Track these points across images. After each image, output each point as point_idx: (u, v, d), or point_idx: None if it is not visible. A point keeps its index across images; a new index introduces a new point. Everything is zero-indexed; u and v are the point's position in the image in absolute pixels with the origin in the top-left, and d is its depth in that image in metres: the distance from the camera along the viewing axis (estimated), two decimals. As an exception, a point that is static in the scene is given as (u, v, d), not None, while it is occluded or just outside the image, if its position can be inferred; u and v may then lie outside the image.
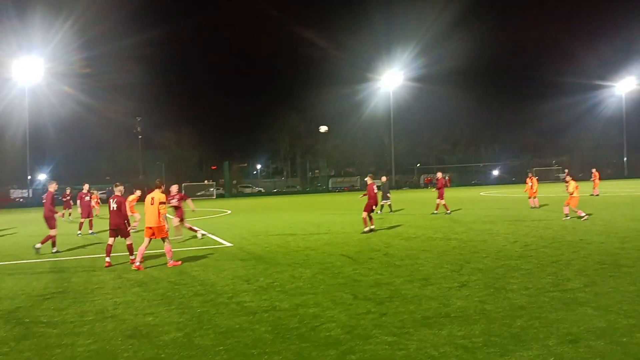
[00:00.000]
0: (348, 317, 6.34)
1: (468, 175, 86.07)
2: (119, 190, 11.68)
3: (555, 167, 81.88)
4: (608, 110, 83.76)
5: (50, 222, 13.70)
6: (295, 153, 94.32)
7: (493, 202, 30.55)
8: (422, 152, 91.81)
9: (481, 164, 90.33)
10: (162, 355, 5.19)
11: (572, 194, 17.39)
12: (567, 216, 17.43)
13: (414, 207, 28.42)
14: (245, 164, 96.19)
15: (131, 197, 17.98)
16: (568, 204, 17.52)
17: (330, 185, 79.70)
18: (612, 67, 79.90)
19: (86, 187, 19.66)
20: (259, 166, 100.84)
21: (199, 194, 68.35)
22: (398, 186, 76.55)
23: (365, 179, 16.75)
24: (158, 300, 7.61)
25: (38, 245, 13.50)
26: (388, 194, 24.34)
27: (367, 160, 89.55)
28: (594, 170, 34.22)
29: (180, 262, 10.98)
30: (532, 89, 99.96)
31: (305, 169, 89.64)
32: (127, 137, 74.78)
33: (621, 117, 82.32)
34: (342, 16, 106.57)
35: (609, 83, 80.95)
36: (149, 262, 11.26)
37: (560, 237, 12.79)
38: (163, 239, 10.95)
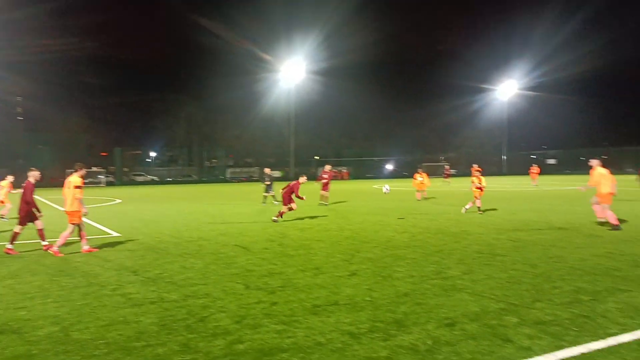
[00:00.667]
0: (238, 307, 6.29)
1: (364, 168, 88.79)
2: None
3: (443, 163, 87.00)
4: (492, 112, 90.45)
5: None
6: (192, 141, 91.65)
7: (386, 194, 31.76)
8: (321, 145, 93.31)
9: (376, 158, 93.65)
10: (34, 352, 4.82)
11: (481, 188, 17.78)
12: (480, 210, 17.73)
13: (310, 198, 28.81)
14: (139, 151, 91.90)
15: (3, 183, 16.51)
16: (477, 198, 17.69)
17: (228, 175, 78.58)
18: (497, 71, 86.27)
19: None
20: (153, 154, 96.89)
21: (86, 181, 64.50)
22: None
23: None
24: (33, 293, 7.07)
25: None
26: (268, 183, 23.81)
27: (267, 151, 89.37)
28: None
29: (61, 253, 10.28)
30: (426, 88, 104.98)
31: (202, 157, 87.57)
32: (6, 118, 68.58)
33: (502, 119, 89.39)
34: (243, 5, 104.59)
35: (493, 87, 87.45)
36: (26, 252, 10.43)
37: (445, 228, 13.59)
38: (76, 225, 10.47)
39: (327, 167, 23.95)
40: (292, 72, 73.25)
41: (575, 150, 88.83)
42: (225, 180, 73.92)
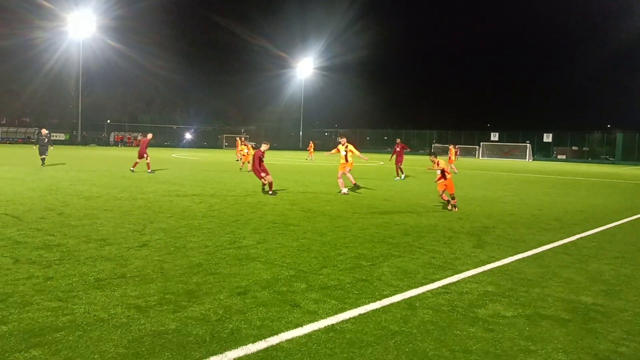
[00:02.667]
0: (3, 284, 5.46)
1: (162, 136, 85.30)
2: None
3: (244, 136, 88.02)
4: (291, 89, 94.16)
5: None
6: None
7: (184, 164, 30.94)
8: (114, 109, 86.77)
9: (175, 126, 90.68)
10: None
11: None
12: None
13: (101, 165, 26.65)
14: None
15: None
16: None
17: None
18: (295, 50, 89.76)
19: None
20: None
21: None
22: (85, 142, 70.76)
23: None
24: None
25: None
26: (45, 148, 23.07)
27: (49, 111, 79.97)
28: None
29: None
30: (228, 60, 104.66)
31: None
32: None
33: (300, 97, 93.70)
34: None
35: (293, 65, 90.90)
36: None
37: (242, 199, 13.71)
38: None
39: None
40: (79, 23, 66.07)
41: (361, 130, 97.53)
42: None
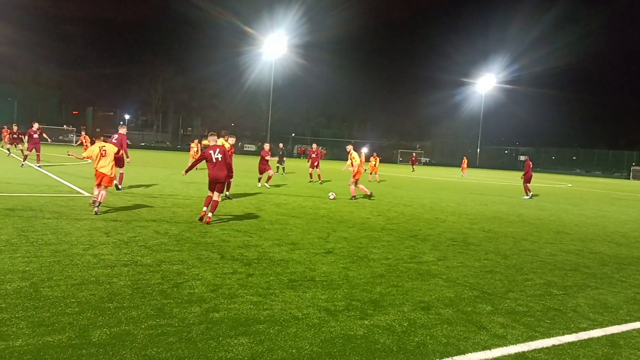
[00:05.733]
0: (213, 276, 6.21)
1: (340, 149, 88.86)
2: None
3: (418, 151, 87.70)
4: (470, 105, 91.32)
5: None
6: (168, 108, 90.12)
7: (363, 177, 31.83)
8: (298, 123, 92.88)
9: (353, 140, 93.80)
10: (3, 305, 4.67)
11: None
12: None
13: (288, 175, 28.72)
14: (112, 113, 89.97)
15: None
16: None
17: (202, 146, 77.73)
18: (476, 65, 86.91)
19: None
20: (127, 116, 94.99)
21: (56, 138, 62.94)
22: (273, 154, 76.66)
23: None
24: (0, 247, 6.84)
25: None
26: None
27: (244, 124, 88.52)
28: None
29: None
30: (407, 76, 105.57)
31: (177, 125, 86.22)
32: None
33: (479, 112, 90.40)
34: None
35: (472, 80, 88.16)
36: (-9, 206, 10.12)
37: (419, 214, 13.70)
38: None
39: (314, 146, 25.37)
40: (274, 45, 72.28)
41: (546, 149, 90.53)
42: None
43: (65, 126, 68.61)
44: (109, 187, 10.66)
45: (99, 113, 78.76)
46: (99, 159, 10.33)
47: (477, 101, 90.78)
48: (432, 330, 4.80)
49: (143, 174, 21.77)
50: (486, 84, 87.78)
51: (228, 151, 10.86)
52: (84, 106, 74.84)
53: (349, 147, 16.77)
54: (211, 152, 10.21)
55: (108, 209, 10.89)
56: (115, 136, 13.98)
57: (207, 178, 10.35)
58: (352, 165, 16.17)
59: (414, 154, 53.78)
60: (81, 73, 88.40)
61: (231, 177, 12.31)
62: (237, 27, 74.41)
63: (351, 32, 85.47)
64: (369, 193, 16.90)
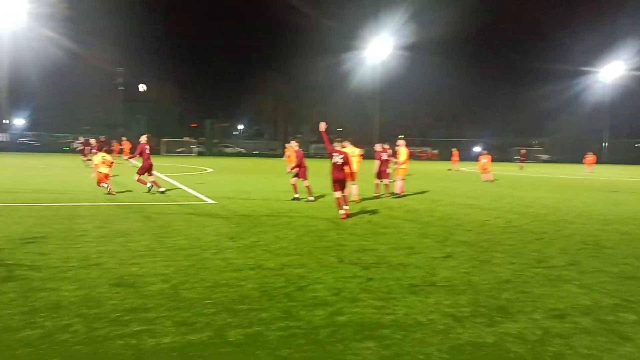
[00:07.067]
0: (334, 280, 6.32)
1: (449, 150, 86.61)
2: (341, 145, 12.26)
3: (536, 147, 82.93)
4: (592, 96, 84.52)
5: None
6: (278, 116, 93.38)
7: (475, 177, 30.79)
8: (406, 124, 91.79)
9: (464, 140, 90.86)
10: (150, 305, 5.11)
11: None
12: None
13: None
14: (227, 124, 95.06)
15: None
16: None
17: (311, 151, 79.54)
18: (598, 53, 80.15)
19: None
20: (241, 126, 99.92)
21: (178, 150, 67.68)
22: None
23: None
24: (142, 252, 7.49)
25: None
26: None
27: (351, 128, 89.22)
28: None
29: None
30: (519, 69, 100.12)
31: (287, 132, 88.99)
32: (107, 87, 73.10)
33: (604, 103, 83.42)
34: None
35: (594, 69, 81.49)
36: (133, 213, 11.12)
37: (542, 215, 12.93)
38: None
39: (378, 146, 17.55)
40: (378, 48, 72.19)
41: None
42: (308, 156, 74.66)
43: (186, 138, 73.55)
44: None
45: (215, 125, 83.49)
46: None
47: (600, 92, 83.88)
48: (569, 340, 4.50)
49: (259, 180, 22.75)
50: (611, 72, 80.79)
51: (352, 156, 12.79)
52: (202, 118, 79.69)
53: (401, 142, 16.53)
54: (335, 154, 11.64)
55: (231, 215, 11.51)
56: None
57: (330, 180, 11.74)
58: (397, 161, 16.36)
59: (522, 151, 50.18)
60: (199, 88, 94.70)
61: (353, 179, 12.67)
62: (342, 32, 75.38)
63: (457, 29, 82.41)
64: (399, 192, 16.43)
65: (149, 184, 15.07)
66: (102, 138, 37.61)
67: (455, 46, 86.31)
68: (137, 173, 15.30)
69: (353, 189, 14.38)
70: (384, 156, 16.79)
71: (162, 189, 15.21)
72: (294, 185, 15.06)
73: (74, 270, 6.34)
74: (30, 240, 8.00)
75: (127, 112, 76.82)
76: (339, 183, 11.58)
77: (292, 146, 16.01)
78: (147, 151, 15.08)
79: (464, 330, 4.70)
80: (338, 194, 11.60)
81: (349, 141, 14.29)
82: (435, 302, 5.53)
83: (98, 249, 7.59)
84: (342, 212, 11.59)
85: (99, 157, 14.69)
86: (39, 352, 3.97)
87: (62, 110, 73.68)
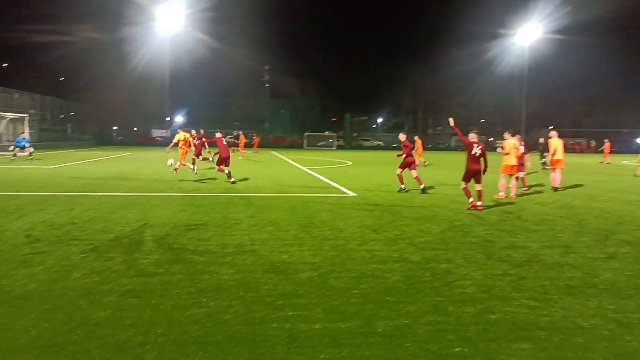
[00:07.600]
0: (483, 277, 6.13)
1: (600, 142, 78.67)
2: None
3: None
4: None
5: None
6: (418, 108, 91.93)
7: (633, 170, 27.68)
8: (556, 113, 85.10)
9: (625, 130, 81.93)
10: (300, 292, 5.39)
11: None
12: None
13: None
14: (366, 118, 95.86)
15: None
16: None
17: (452, 144, 77.22)
18: None
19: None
20: (379, 120, 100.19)
21: (319, 144, 69.80)
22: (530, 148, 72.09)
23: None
24: (291, 241, 7.90)
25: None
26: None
27: (495, 119, 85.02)
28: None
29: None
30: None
31: (426, 125, 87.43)
32: (255, 84, 77.68)
33: None
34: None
35: None
36: (280, 204, 11.76)
37: None
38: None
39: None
40: (526, 34, 67.72)
41: None
42: (449, 149, 72.75)
43: (326, 132, 75.68)
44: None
45: (354, 118, 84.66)
46: None
47: None
48: None
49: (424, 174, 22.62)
50: None
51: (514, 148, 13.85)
52: (342, 112, 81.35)
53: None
54: (474, 146, 11.66)
55: (373, 207, 11.65)
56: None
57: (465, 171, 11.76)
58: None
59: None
60: (339, 83, 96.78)
61: (485, 171, 11.99)
62: (488, 18, 72.05)
63: (616, 6, 74.17)
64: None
65: (218, 169, 16.91)
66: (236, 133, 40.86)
67: (614, 25, 78.11)
68: (216, 164, 16.96)
69: (513, 182, 14.21)
70: (521, 149, 15.68)
71: (232, 179, 16.49)
72: (400, 177, 15.12)
73: (231, 255, 6.89)
74: (192, 227, 8.83)
75: (273, 108, 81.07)
76: (474, 175, 11.66)
77: (400, 138, 15.49)
78: (224, 143, 16.77)
79: (632, 338, 4.30)
80: (478, 187, 11.69)
81: (509, 133, 14.29)
82: (598, 306, 5.11)
83: (251, 236, 8.15)
84: (472, 200, 11.66)
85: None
86: (205, 330, 4.39)
87: (215, 107, 79.83)
